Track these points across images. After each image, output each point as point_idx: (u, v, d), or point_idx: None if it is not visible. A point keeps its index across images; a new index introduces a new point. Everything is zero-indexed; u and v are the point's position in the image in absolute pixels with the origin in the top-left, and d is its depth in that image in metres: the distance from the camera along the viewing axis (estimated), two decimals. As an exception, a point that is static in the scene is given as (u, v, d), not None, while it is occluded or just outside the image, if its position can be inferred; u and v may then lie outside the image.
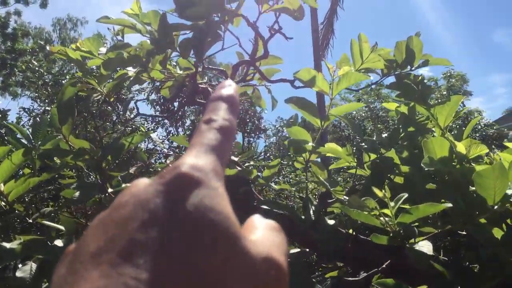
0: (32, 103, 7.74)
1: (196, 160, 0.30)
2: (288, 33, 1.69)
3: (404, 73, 1.82)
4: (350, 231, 1.47)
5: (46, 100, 7.14)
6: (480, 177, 0.99)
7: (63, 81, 7.45)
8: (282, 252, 0.31)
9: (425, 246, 1.03)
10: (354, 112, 14.55)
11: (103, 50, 1.63)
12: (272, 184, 1.54)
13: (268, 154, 10.86)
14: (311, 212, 1.39)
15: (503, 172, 0.97)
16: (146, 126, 8.67)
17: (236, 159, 1.82)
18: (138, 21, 1.65)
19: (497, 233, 1.14)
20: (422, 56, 1.81)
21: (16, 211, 1.65)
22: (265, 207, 1.39)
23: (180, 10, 1.43)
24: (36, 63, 8.78)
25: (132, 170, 1.84)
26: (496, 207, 1.05)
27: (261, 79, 1.89)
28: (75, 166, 1.83)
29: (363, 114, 14.85)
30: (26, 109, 7.14)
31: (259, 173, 1.63)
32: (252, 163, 1.99)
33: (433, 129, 1.81)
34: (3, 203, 1.57)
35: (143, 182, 0.30)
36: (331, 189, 1.37)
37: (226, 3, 1.49)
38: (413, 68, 1.80)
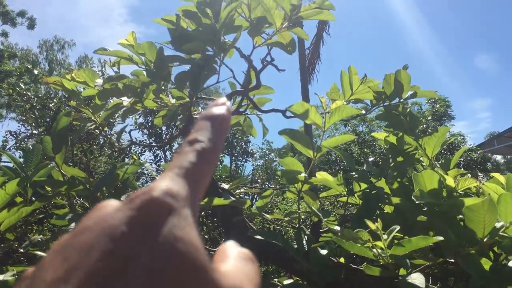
0: (18, 126, 7.68)
1: (171, 185, 0.28)
2: (275, 56, 1.73)
3: (393, 104, 1.87)
4: (342, 259, 1.49)
5: (33, 124, 7.10)
6: (470, 211, 1.03)
7: (50, 104, 7.43)
8: (254, 284, 0.29)
9: (417, 279, 1.05)
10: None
11: (99, 81, 1.65)
12: (265, 215, 1.55)
13: (255, 177, 10.85)
14: (304, 242, 1.41)
15: (492, 207, 1.01)
16: (134, 150, 8.64)
17: (227, 186, 1.84)
18: (134, 52, 1.68)
19: (486, 264, 1.17)
20: (410, 88, 1.86)
21: (7, 242, 1.64)
22: (259, 237, 1.40)
23: (176, 43, 1.47)
24: (23, 86, 8.74)
25: (123, 198, 1.85)
26: (485, 239, 1.08)
27: (253, 108, 1.93)
28: (66, 194, 1.83)
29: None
30: (13, 132, 7.08)
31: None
32: (242, 190, 2.01)
33: (421, 159, 1.85)
34: (-6, 233, 1.56)
35: (110, 205, 0.28)
36: (324, 220, 1.39)
37: (221, 37, 1.53)
38: (401, 100, 1.85)
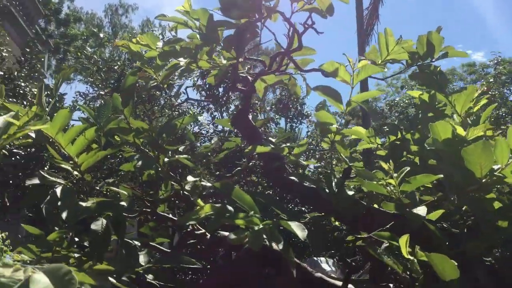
0: (87, 87, 8.23)
1: None
2: (332, 18, 1.89)
3: (425, 64, 2.01)
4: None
5: (100, 85, 7.60)
6: (467, 154, 1.20)
7: (115, 67, 7.90)
8: None
9: (421, 210, 1.25)
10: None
11: (160, 44, 1.90)
12: (301, 160, 1.78)
13: (311, 140, 10.97)
14: (333, 184, 1.63)
15: (486, 150, 1.18)
16: (191, 109, 9.03)
17: (273, 140, 2.07)
18: (189, 18, 1.92)
19: (497, 205, 1.34)
20: (442, 49, 2.00)
21: (86, 180, 1.96)
22: (294, 178, 1.64)
23: (224, 9, 1.69)
24: (89, 50, 9.27)
25: (181, 148, 2.12)
26: (483, 180, 1.26)
27: (296, 68, 2.13)
28: (133, 144, 2.12)
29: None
30: (82, 94, 7.63)
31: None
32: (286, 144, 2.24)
33: (454, 116, 2.00)
34: (76, 172, 1.87)
35: None
36: (350, 164, 1.60)
37: (264, 1, 1.73)
38: (433, 60, 1.99)
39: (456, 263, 1.03)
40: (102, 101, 7.35)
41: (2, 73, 7.57)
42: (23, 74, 7.76)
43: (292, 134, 5.29)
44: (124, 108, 1.95)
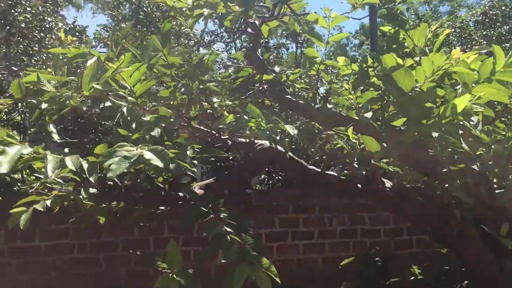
0: (109, 21, 8.77)
1: None
2: None
3: (391, 6, 2.63)
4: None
5: (120, 18, 8.15)
6: (396, 77, 1.88)
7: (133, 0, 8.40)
8: None
9: (368, 114, 1.95)
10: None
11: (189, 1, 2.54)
12: (296, 84, 2.46)
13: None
14: (317, 100, 2.32)
15: (408, 74, 1.85)
16: (206, 39, 9.57)
17: (278, 69, 2.74)
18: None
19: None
20: (405, -6, 2.60)
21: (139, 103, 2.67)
22: (290, 97, 2.34)
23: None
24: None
25: (206, 77, 2.80)
26: (410, 93, 1.94)
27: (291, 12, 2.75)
28: (169, 75, 2.80)
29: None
30: (104, 26, 8.21)
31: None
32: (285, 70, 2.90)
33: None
34: (131, 98, 2.57)
35: None
36: (329, 86, 2.29)
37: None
38: (397, 3, 2.60)
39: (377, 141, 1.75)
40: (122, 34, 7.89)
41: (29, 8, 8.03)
42: (48, 10, 8.27)
43: (294, 61, 5.91)
44: (163, 49, 2.62)
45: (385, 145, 1.85)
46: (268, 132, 1.91)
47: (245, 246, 1.64)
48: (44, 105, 1.95)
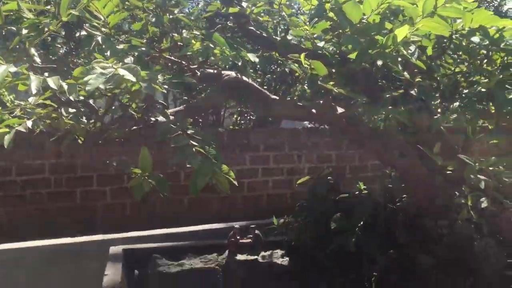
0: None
1: None
2: None
3: None
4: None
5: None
6: (345, 8, 2.09)
7: None
8: None
9: (321, 43, 2.18)
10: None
11: None
12: (260, 18, 2.66)
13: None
14: (278, 32, 2.53)
15: (355, 6, 2.07)
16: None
17: (245, 4, 2.92)
18: None
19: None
20: None
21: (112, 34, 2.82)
22: (253, 29, 2.54)
23: None
24: None
25: (176, 11, 2.97)
26: (358, 25, 2.17)
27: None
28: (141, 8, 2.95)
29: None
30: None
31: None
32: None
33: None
34: (106, 29, 2.73)
35: None
36: (290, 19, 2.50)
37: None
38: None
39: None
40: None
41: None
42: None
43: None
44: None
45: (333, 70, 2.10)
46: (231, 59, 2.12)
47: (207, 155, 1.89)
48: (24, 31, 2.11)
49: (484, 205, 2.39)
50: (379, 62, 2.25)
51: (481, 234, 2.42)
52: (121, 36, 2.91)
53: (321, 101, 2.57)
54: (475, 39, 2.67)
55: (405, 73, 2.38)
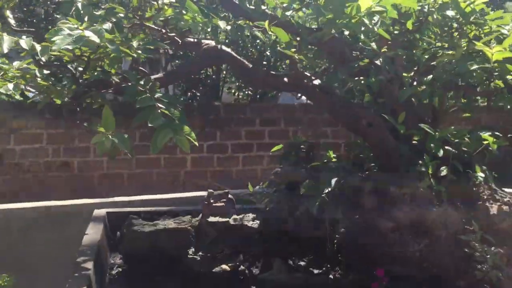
0: None
1: None
2: None
3: None
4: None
5: None
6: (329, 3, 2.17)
7: None
8: None
9: (288, 12, 2.25)
10: None
11: None
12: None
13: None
14: (253, 2, 2.60)
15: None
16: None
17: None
18: None
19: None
20: None
21: None
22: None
23: None
24: None
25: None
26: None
27: None
28: None
29: None
30: None
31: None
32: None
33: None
34: None
35: None
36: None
37: None
38: None
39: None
40: None
41: None
42: None
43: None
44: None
45: (298, 38, 2.17)
46: (201, 25, 2.21)
47: (172, 116, 1.99)
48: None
49: (443, 173, 2.48)
50: (346, 32, 2.33)
51: (440, 200, 2.52)
52: (105, 4, 2.99)
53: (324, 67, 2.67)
54: (450, 12, 2.74)
55: (373, 43, 2.45)
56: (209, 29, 2.24)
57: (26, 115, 6.27)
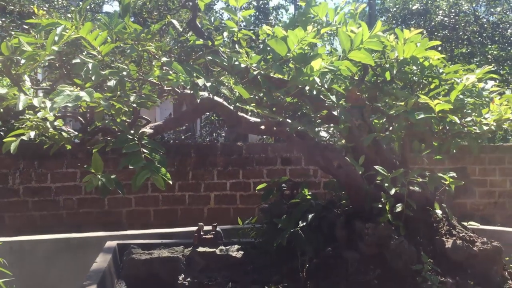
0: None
1: None
2: None
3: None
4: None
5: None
6: (271, 44, 2.57)
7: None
8: None
9: (255, 72, 2.66)
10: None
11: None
12: (221, 48, 3.17)
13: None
14: (232, 60, 3.03)
15: (279, 43, 2.54)
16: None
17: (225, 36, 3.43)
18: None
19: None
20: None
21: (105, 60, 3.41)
22: (211, 58, 3.05)
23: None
24: None
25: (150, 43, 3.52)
26: (285, 56, 2.63)
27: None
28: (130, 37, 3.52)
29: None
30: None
31: None
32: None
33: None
34: (99, 56, 3.31)
35: None
36: (234, 51, 2.99)
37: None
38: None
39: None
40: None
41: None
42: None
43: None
44: (124, 17, 3.34)
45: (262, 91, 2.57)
46: (182, 82, 2.63)
47: (152, 160, 2.41)
48: (22, 61, 2.71)
49: (398, 209, 2.77)
50: (307, 87, 2.72)
51: (398, 234, 2.80)
52: (115, 62, 3.51)
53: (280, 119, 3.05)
54: (413, 67, 3.10)
55: (333, 96, 2.82)
56: (188, 87, 2.65)
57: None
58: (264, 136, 9.62)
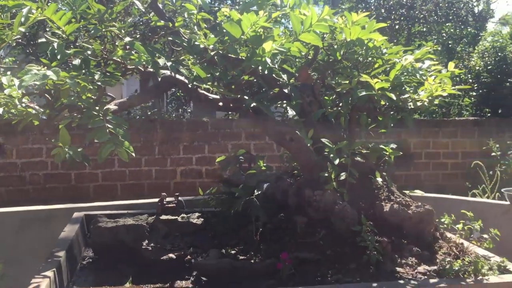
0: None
1: None
2: None
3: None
4: None
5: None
6: (226, 27, 2.79)
7: None
8: None
9: (212, 52, 2.88)
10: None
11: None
12: (181, 29, 3.37)
13: None
14: (192, 41, 3.24)
15: (233, 24, 2.76)
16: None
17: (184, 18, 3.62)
18: None
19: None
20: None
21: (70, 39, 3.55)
22: (174, 39, 3.24)
23: None
24: None
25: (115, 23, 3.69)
26: (239, 38, 2.86)
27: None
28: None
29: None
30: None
31: None
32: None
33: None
34: (64, 35, 3.45)
35: None
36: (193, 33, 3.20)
37: None
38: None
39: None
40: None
41: None
42: None
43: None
44: (88, -2, 3.48)
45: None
46: (144, 62, 2.82)
47: (116, 134, 2.62)
48: (-11, 41, 2.86)
49: (342, 178, 3.08)
50: (260, 67, 2.96)
51: (342, 200, 3.11)
52: (79, 41, 3.65)
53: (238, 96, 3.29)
54: (359, 48, 3.37)
55: (284, 75, 3.08)
56: (149, 66, 2.85)
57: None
58: (230, 112, 9.85)
